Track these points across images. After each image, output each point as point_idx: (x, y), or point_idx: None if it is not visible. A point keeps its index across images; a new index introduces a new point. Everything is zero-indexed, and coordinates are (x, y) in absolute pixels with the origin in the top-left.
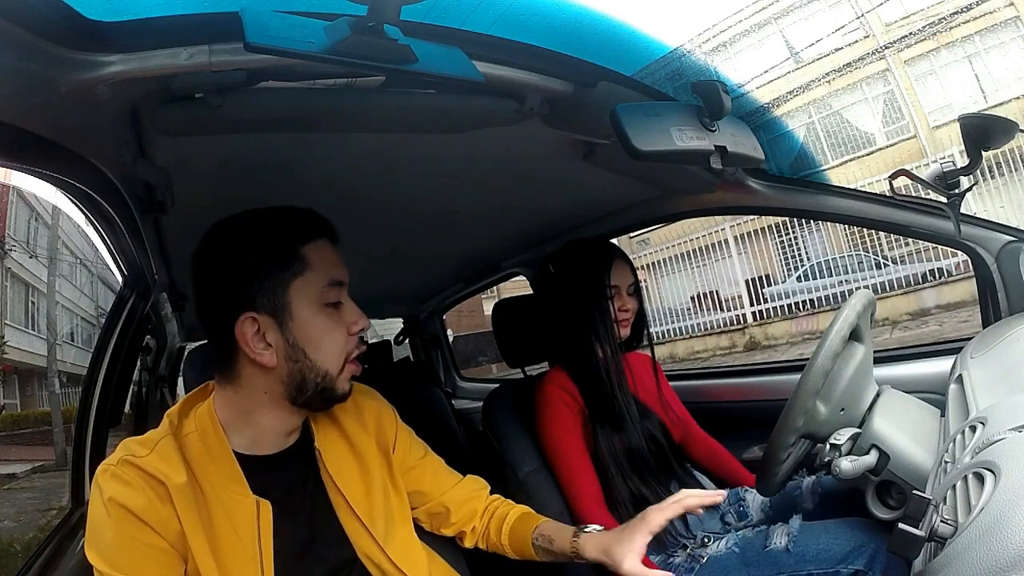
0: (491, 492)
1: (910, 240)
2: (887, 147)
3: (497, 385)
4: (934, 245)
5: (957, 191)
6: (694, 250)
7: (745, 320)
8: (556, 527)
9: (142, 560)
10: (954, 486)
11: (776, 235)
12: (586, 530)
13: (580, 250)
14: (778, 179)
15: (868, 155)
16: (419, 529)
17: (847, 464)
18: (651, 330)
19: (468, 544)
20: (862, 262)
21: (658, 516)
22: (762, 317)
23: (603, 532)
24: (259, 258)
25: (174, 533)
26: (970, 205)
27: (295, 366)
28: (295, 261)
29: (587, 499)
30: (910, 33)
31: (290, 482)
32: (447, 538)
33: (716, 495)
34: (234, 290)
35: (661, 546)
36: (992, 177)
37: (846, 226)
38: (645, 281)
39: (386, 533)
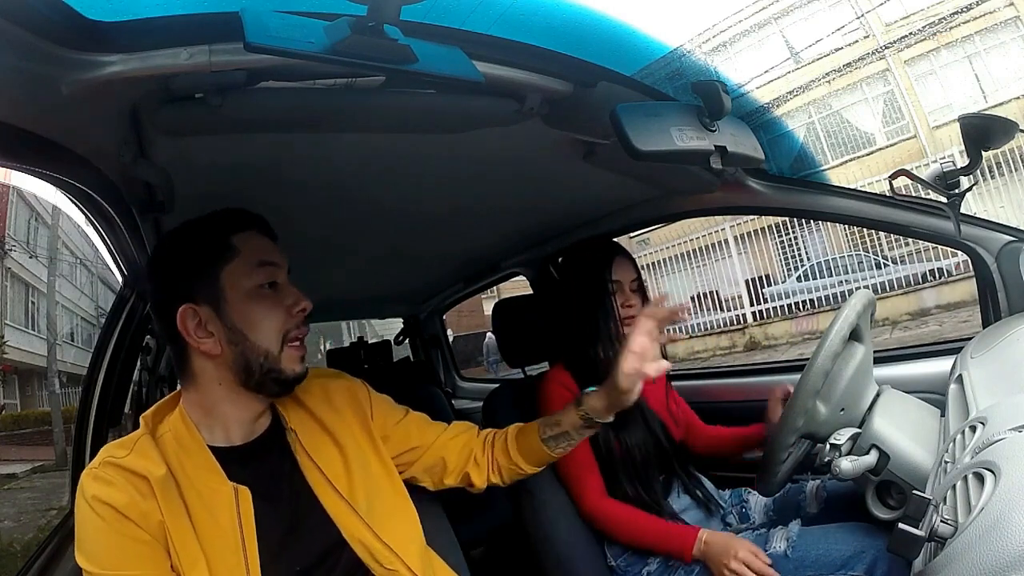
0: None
1: (910, 240)
2: (887, 147)
3: (497, 385)
4: (934, 245)
5: (957, 191)
6: (694, 250)
7: (745, 320)
8: (556, 416)
9: (128, 555)
10: (954, 486)
11: (776, 235)
12: (586, 392)
13: (582, 250)
14: (778, 179)
15: (868, 155)
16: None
17: (847, 464)
18: None
19: (478, 483)
20: (862, 262)
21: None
22: (762, 317)
23: (600, 387)
24: (191, 251)
25: (155, 525)
26: (970, 205)
27: (236, 349)
28: (224, 249)
29: (590, 492)
30: (910, 33)
31: (268, 469)
32: (442, 525)
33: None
34: (173, 284)
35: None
36: (992, 177)
37: (846, 226)
38: (645, 281)
39: (370, 508)
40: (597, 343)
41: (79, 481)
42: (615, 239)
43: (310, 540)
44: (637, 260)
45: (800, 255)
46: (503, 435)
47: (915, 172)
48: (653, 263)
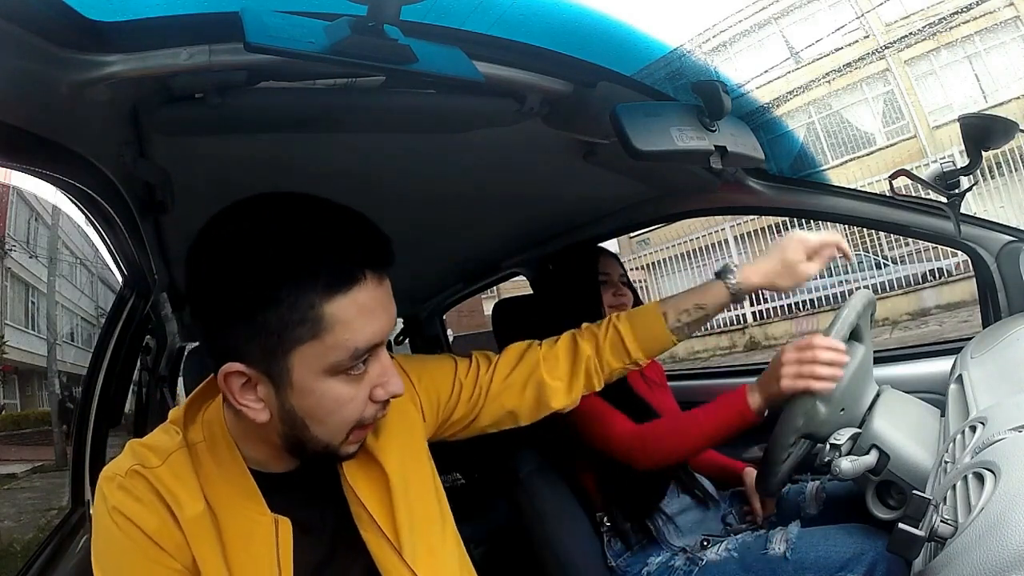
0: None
1: (910, 240)
2: (887, 147)
3: None
4: (934, 245)
5: (957, 191)
6: (694, 250)
7: (745, 320)
8: (694, 299)
9: None
10: (954, 486)
11: (776, 235)
12: (733, 266)
13: (571, 252)
14: (778, 179)
15: (868, 155)
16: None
17: (847, 464)
18: None
19: (560, 405)
20: (862, 262)
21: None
22: (762, 317)
23: (755, 263)
24: (257, 305)
25: (188, 558)
26: (970, 205)
27: (291, 431)
28: (308, 323)
29: (622, 424)
30: (910, 33)
31: (310, 499)
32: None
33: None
34: (219, 329)
35: (661, 547)
36: (992, 177)
37: (846, 226)
38: (645, 281)
39: (413, 546)
40: None
41: (99, 482)
42: (614, 239)
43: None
44: (637, 260)
45: None
46: (605, 335)
47: (915, 172)
48: (653, 263)
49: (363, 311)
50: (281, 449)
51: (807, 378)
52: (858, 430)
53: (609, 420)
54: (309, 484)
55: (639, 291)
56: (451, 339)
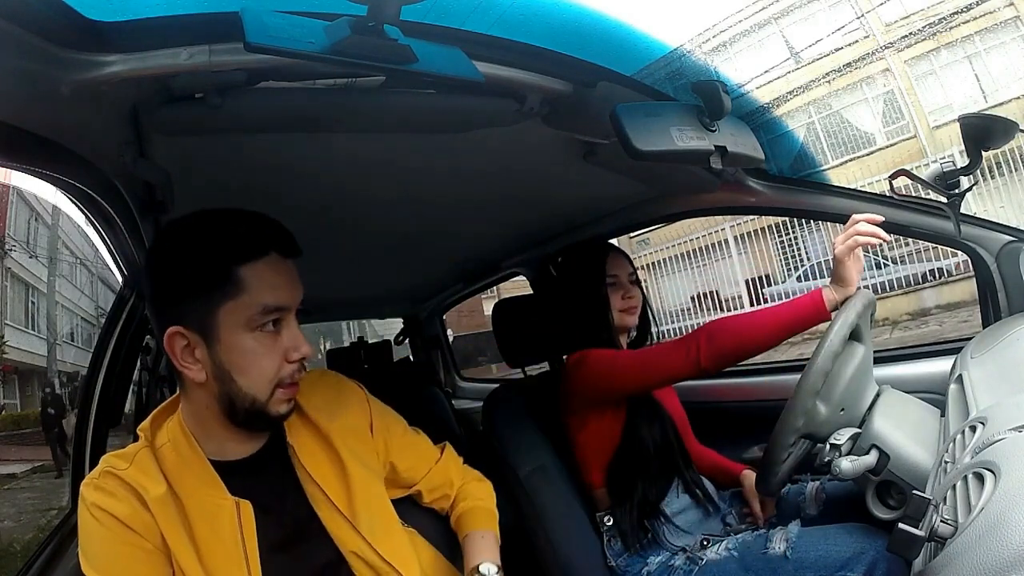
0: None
1: (910, 240)
2: (887, 147)
3: (497, 385)
4: (934, 245)
5: (957, 191)
6: (694, 250)
7: None
8: (468, 551)
9: (134, 564)
10: (954, 486)
11: (776, 235)
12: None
13: (578, 249)
14: (778, 179)
15: (868, 155)
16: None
17: (847, 464)
18: (657, 326)
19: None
20: None
21: None
22: None
23: None
24: (189, 274)
25: (158, 537)
26: (970, 205)
27: (223, 387)
28: (227, 283)
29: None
30: (910, 33)
31: (269, 482)
32: (442, 526)
33: None
34: (164, 301)
35: (661, 547)
36: (992, 177)
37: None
38: (645, 281)
39: (372, 524)
40: (600, 332)
41: (79, 491)
42: (614, 239)
43: (310, 555)
44: (637, 260)
45: (800, 255)
46: (456, 513)
47: (915, 172)
48: (653, 263)
49: (269, 277)
50: (228, 427)
51: (853, 237)
52: (858, 430)
53: (666, 351)
54: (266, 468)
55: None
56: (451, 339)
